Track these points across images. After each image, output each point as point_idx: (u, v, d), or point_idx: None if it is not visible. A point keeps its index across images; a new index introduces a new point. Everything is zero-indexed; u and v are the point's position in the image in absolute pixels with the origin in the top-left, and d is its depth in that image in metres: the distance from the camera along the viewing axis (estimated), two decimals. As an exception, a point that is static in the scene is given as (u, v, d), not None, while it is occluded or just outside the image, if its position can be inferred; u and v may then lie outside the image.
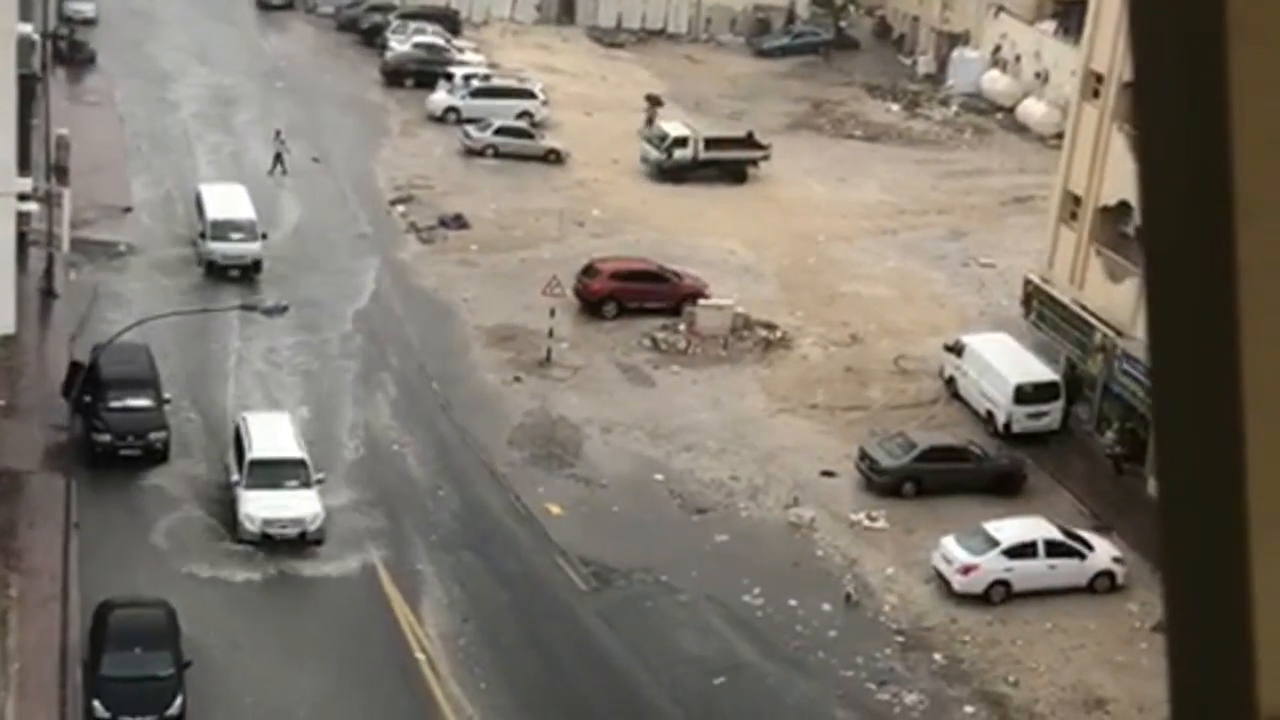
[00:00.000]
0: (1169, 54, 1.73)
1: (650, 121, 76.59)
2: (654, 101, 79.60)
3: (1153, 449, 47.50)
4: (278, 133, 67.25)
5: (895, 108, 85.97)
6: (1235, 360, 1.69)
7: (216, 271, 57.13)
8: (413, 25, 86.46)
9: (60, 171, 53.95)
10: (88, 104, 72.36)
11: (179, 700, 35.56)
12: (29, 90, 53.11)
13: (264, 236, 58.23)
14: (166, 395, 46.75)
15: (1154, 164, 1.80)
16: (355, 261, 60.41)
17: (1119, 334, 49.85)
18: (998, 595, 43.33)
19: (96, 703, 35.46)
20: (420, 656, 38.91)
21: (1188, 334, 1.74)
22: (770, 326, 57.52)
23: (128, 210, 61.68)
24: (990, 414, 51.79)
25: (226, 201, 59.58)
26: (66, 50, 76.90)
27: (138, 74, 77.65)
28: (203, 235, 58.10)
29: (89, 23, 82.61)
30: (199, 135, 70.91)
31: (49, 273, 53.06)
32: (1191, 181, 1.72)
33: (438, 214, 64.91)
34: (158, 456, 45.16)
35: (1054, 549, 44.04)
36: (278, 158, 66.48)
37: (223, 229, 57.73)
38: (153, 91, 75.71)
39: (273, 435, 44.56)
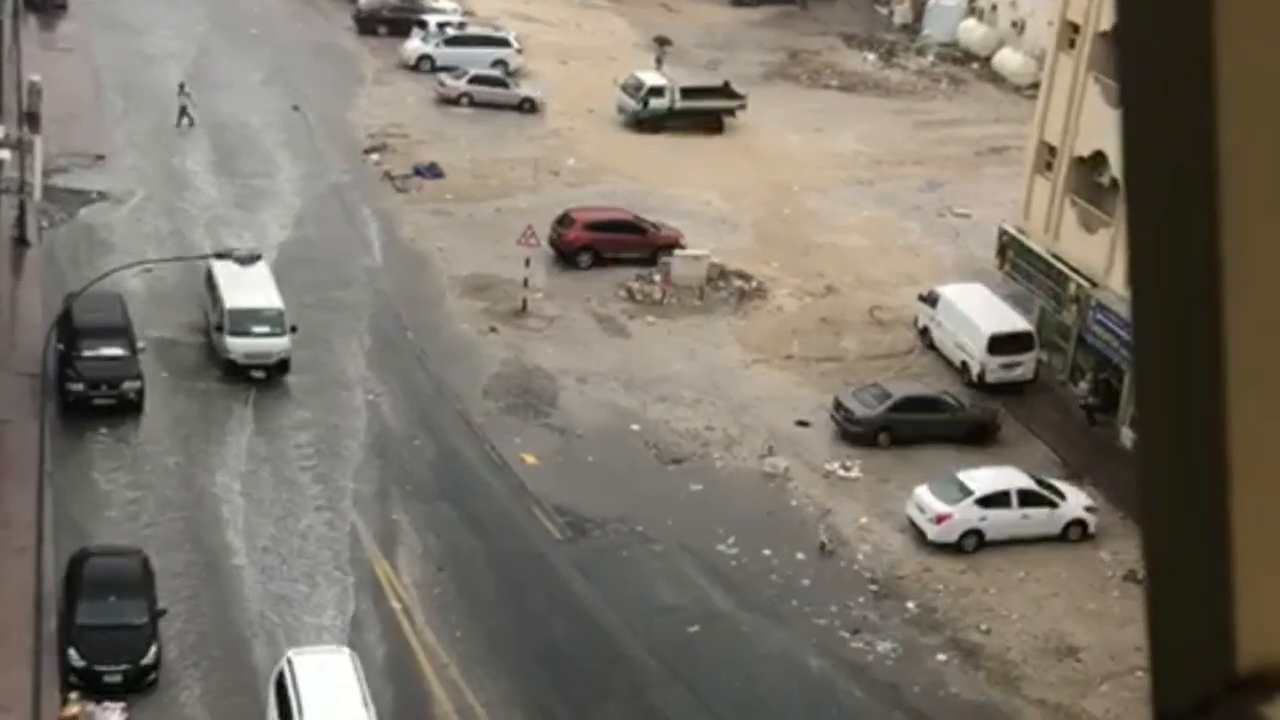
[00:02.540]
0: (1153, 1, 1.73)
1: (660, 62, 76.03)
2: (662, 42, 78.90)
3: (1126, 399, 47.71)
4: (181, 85, 66.33)
5: (871, 57, 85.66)
6: (1217, 309, 1.69)
7: (236, 372, 47.32)
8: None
9: (32, 118, 53.49)
10: (60, 50, 71.75)
11: (154, 648, 35.60)
12: (-1, 37, 52.74)
13: (294, 330, 47.95)
14: (140, 344, 46.56)
15: (1135, 114, 1.79)
16: (333, 213, 60.11)
17: (1093, 284, 49.94)
18: (971, 544, 43.56)
19: (71, 651, 35.49)
20: (396, 606, 39.00)
21: (1169, 284, 1.74)
22: (746, 277, 57.48)
23: (100, 158, 61.26)
24: (964, 364, 51.90)
25: (246, 285, 47.84)
26: (38, -4, 76.17)
27: (109, 20, 76.94)
28: (219, 328, 47.71)
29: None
30: (171, 85, 70.24)
31: (21, 221, 52.70)
32: (1174, 131, 1.72)
33: (412, 163, 64.60)
34: (130, 406, 45.05)
35: (1027, 498, 44.26)
36: (183, 110, 65.64)
37: (243, 320, 47.29)
38: (124, 39, 75.03)
39: (330, 691, 33.45)
